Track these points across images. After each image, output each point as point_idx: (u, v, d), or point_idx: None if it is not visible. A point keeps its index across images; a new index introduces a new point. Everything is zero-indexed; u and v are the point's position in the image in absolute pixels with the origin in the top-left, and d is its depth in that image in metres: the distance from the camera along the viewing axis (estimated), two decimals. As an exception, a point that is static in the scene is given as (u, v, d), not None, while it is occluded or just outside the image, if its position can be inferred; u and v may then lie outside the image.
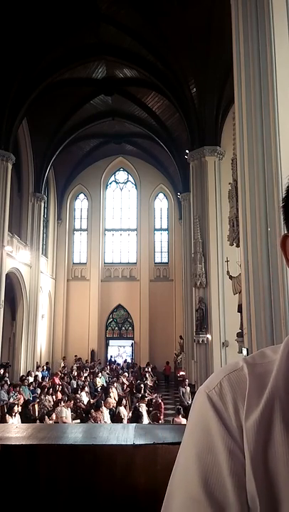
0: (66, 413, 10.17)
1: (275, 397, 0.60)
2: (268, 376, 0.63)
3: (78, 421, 10.42)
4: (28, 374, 17.66)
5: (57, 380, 16.51)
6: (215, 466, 0.58)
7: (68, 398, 11.56)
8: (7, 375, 16.82)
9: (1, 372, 16.41)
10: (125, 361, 24.99)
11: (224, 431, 0.60)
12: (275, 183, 6.59)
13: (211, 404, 0.62)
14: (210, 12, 13.72)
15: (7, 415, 9.47)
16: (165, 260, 27.61)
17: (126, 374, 18.89)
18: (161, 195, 28.29)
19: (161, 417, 11.46)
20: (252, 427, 0.59)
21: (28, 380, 15.78)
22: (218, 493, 0.56)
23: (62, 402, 10.61)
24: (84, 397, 13.08)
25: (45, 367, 21.91)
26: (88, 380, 16.68)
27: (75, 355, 24.69)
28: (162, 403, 12.62)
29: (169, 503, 0.60)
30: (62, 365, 22.96)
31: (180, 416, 10.83)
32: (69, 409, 10.53)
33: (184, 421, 10.62)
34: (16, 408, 9.83)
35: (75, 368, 20.55)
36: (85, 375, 17.64)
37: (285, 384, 0.61)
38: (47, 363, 23.24)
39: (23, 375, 16.94)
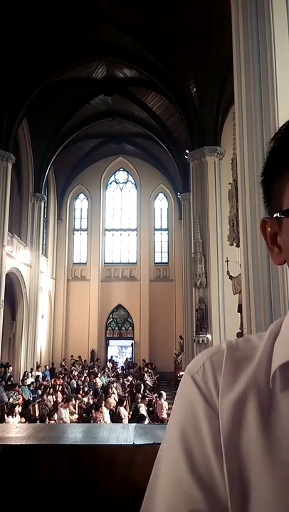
0: (65, 414, 10.16)
1: (253, 384, 0.60)
2: (247, 360, 0.64)
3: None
4: (25, 375, 17.63)
5: (59, 381, 16.49)
6: (200, 445, 0.58)
7: (68, 399, 11.54)
8: (8, 374, 16.79)
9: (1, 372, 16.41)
10: (126, 360, 24.95)
11: (209, 410, 0.60)
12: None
13: (196, 386, 0.63)
14: (210, 12, 13.71)
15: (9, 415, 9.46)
16: (165, 260, 27.57)
17: (129, 378, 18.77)
18: (161, 195, 28.25)
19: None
20: (226, 407, 0.59)
21: (26, 380, 15.75)
22: (204, 472, 0.57)
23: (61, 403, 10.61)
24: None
25: (48, 367, 21.79)
26: (88, 380, 16.66)
27: (71, 356, 24.49)
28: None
29: (155, 484, 0.60)
30: (62, 363, 22.91)
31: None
32: (67, 409, 10.52)
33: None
34: (16, 408, 9.82)
35: (73, 368, 20.51)
36: (85, 375, 17.60)
37: (266, 373, 0.61)
38: (53, 364, 23.15)
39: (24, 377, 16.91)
